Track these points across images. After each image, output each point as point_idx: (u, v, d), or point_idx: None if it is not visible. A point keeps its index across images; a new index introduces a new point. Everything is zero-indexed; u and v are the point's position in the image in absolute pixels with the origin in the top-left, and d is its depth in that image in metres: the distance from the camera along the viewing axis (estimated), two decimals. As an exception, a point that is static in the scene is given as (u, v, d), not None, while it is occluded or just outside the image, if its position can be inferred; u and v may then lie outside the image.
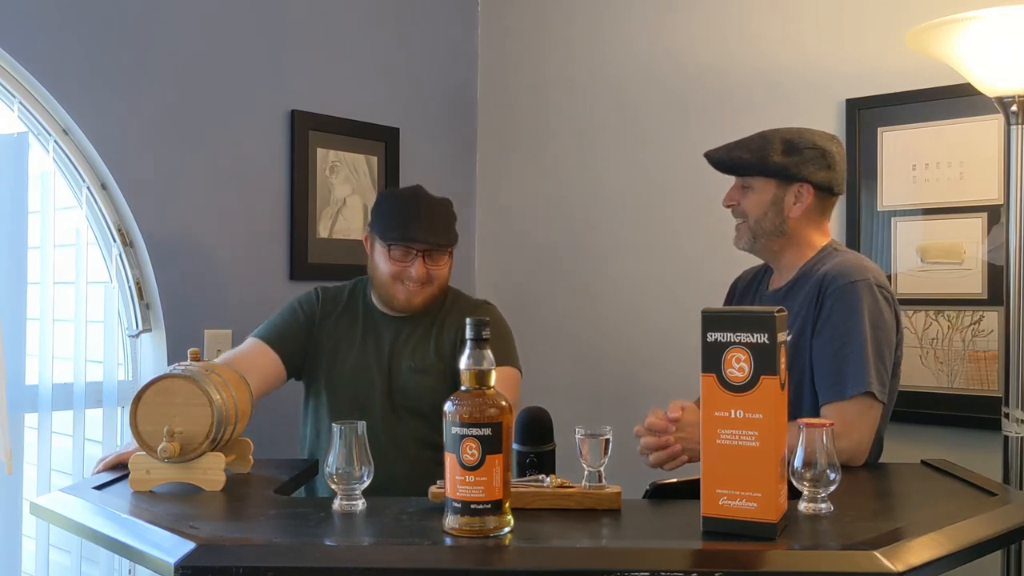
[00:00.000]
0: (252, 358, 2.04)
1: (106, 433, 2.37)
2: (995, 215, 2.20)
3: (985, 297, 2.24)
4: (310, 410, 2.19)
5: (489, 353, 1.33)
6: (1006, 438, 1.99)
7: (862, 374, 1.72)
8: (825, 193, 1.90)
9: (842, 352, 1.75)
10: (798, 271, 1.90)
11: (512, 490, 1.36)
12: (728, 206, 1.95)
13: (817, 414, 1.76)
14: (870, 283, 1.78)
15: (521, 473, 1.59)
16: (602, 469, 1.49)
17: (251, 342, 2.10)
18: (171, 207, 2.42)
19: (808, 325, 1.80)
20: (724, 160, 1.92)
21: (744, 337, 1.29)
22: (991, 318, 2.22)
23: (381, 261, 2.09)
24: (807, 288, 1.84)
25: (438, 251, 2.08)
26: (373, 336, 2.16)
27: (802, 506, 1.41)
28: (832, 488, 1.39)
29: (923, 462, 1.87)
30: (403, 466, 2.03)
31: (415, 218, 2.05)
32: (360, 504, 1.48)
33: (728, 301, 2.13)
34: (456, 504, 1.30)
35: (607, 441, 1.49)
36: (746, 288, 2.09)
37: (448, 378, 2.11)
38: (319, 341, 2.16)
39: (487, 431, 1.29)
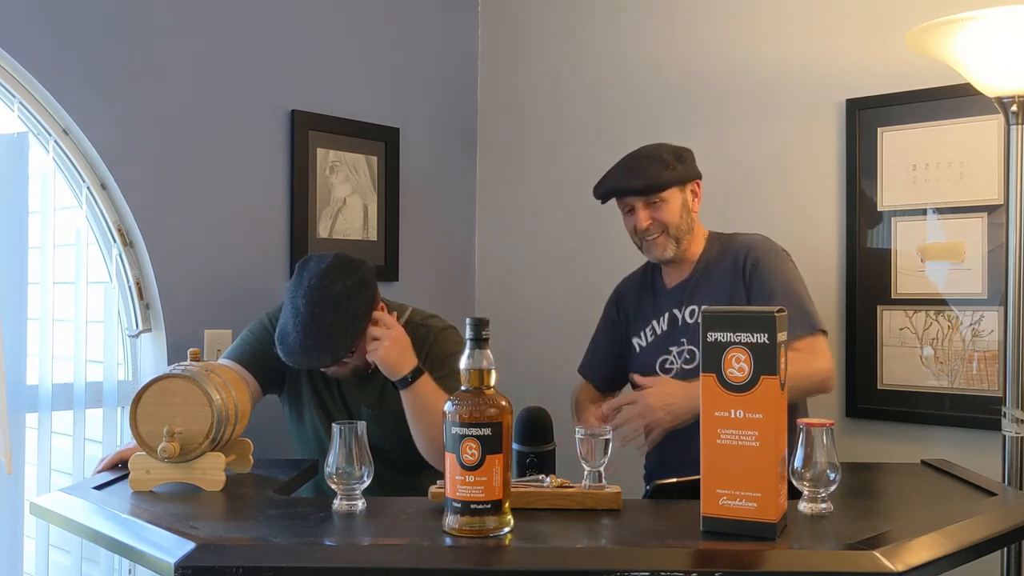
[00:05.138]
0: None
1: (106, 433, 2.36)
2: (995, 215, 2.20)
3: (985, 297, 2.24)
4: (294, 416, 2.20)
5: (489, 353, 1.33)
6: (1006, 438, 1.99)
7: (811, 317, 1.98)
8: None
9: (784, 301, 1.89)
10: (700, 260, 2.14)
11: (512, 490, 1.36)
12: (646, 227, 2.08)
13: None
14: (784, 251, 2.10)
15: (521, 473, 1.59)
16: (602, 469, 1.49)
17: (226, 363, 2.06)
18: (171, 207, 2.42)
19: (739, 294, 2.03)
20: (645, 185, 2.06)
21: (744, 337, 1.29)
22: (991, 318, 2.22)
23: None
24: (724, 267, 2.08)
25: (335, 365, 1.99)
26: (324, 381, 2.14)
27: (802, 506, 1.41)
28: (832, 488, 1.39)
29: (923, 462, 1.87)
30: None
31: (302, 340, 1.91)
32: (360, 504, 1.48)
33: (619, 313, 2.27)
34: (456, 504, 1.31)
35: (607, 441, 1.49)
36: (638, 294, 2.25)
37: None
38: None
39: (487, 431, 1.29)
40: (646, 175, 2.07)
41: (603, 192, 2.15)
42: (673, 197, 2.09)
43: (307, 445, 2.18)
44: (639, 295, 2.25)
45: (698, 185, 2.15)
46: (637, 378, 2.05)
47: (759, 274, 2.03)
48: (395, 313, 2.09)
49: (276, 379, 2.14)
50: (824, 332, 1.99)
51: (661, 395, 1.90)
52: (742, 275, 2.05)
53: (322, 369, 2.03)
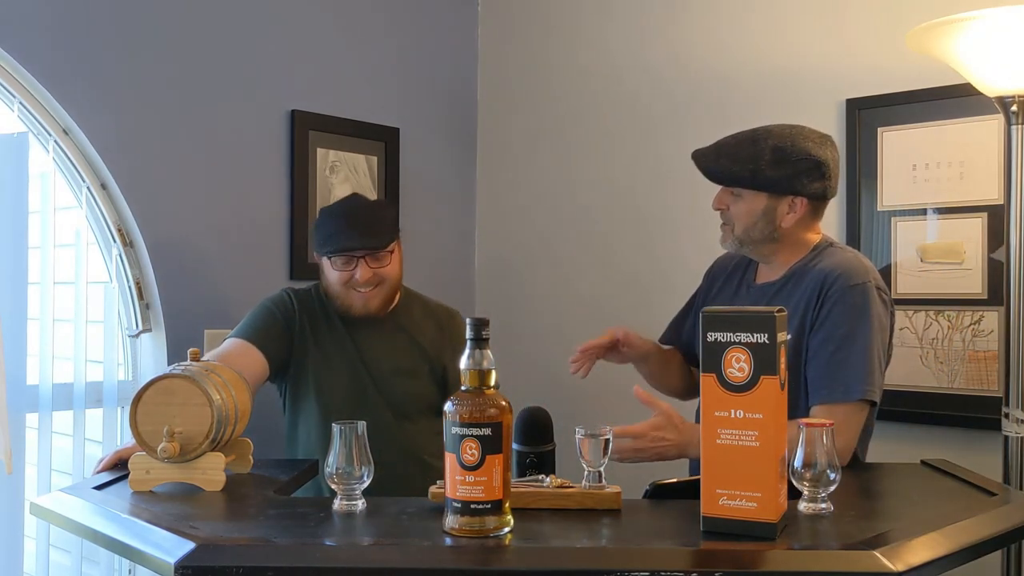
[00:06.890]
0: (236, 358, 2.00)
1: (106, 433, 2.37)
2: (995, 215, 2.20)
3: (985, 297, 2.24)
4: (301, 412, 2.19)
5: (489, 353, 1.33)
6: (1006, 438, 1.99)
7: (862, 381, 1.72)
8: (819, 202, 1.86)
9: (839, 355, 1.73)
10: (791, 268, 1.88)
11: (512, 490, 1.36)
12: (718, 209, 1.90)
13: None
14: (872, 286, 1.78)
15: (521, 473, 1.59)
16: (602, 469, 1.49)
17: (234, 342, 2.07)
18: (171, 207, 2.42)
19: (807, 324, 1.78)
20: (714, 171, 1.84)
21: (744, 337, 1.29)
22: (991, 318, 2.22)
23: (329, 273, 2.13)
24: (804, 286, 1.82)
25: (379, 250, 2.11)
26: (349, 340, 2.18)
27: (802, 506, 1.41)
28: (832, 488, 1.39)
29: (923, 462, 1.87)
30: (403, 467, 2.05)
31: (347, 226, 2.08)
32: (360, 504, 1.48)
33: (706, 292, 2.08)
34: (456, 504, 1.30)
35: (607, 441, 1.49)
36: (728, 279, 2.03)
37: (435, 379, 2.21)
38: (303, 344, 2.16)
39: (487, 431, 1.29)
40: (718, 161, 1.83)
41: (693, 156, 1.89)
42: (754, 200, 1.82)
43: (309, 427, 2.17)
44: (730, 275, 2.03)
45: (803, 201, 1.81)
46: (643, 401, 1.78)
47: (827, 307, 1.76)
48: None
49: (283, 351, 2.13)
50: (868, 402, 1.74)
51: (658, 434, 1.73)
52: (816, 301, 1.78)
53: (358, 280, 2.08)
